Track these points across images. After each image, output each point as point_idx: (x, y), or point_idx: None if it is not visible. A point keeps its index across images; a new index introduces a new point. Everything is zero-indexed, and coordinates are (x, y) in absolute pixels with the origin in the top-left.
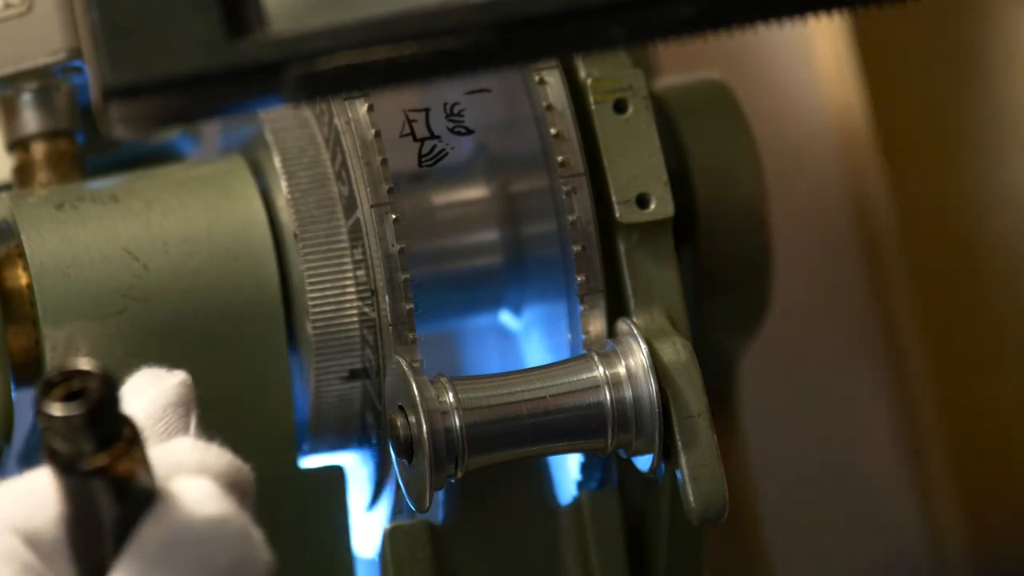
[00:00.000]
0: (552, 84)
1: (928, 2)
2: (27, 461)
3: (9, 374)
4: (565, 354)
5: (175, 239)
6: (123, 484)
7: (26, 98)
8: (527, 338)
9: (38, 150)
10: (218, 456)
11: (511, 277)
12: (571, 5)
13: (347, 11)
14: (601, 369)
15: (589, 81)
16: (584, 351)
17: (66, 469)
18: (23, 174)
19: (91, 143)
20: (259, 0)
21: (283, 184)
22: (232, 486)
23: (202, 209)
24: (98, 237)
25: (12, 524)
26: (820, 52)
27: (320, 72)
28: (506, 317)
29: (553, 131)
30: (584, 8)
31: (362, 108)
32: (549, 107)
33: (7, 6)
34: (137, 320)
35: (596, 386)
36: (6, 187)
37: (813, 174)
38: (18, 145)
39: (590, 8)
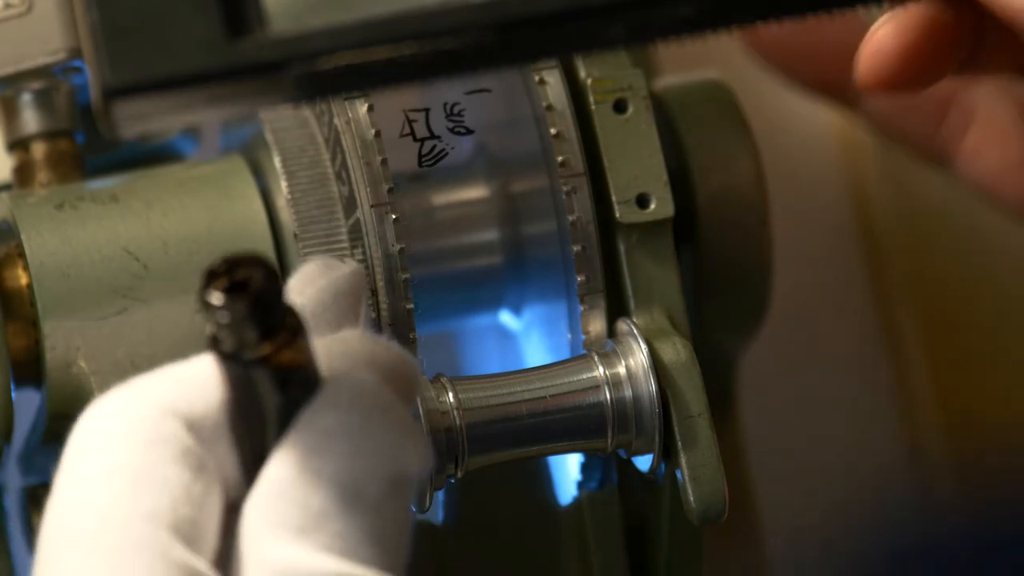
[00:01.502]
0: (552, 84)
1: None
2: (27, 461)
3: (9, 374)
4: (565, 354)
5: (175, 239)
6: (286, 373)
7: (26, 98)
8: (527, 338)
9: (38, 150)
10: (386, 348)
11: (511, 277)
12: (571, 5)
13: (347, 11)
14: (601, 369)
15: (589, 81)
16: (584, 351)
17: (229, 358)
18: (23, 174)
19: (91, 143)
20: (259, 0)
21: (283, 184)
22: (397, 380)
23: (202, 209)
24: (98, 237)
25: (174, 408)
26: None
27: (320, 72)
28: (506, 317)
29: (553, 131)
30: (584, 8)
31: (362, 108)
32: (549, 107)
33: (7, 6)
34: (137, 320)
35: (596, 386)
36: (6, 187)
37: (813, 174)
38: (18, 145)
39: (590, 8)
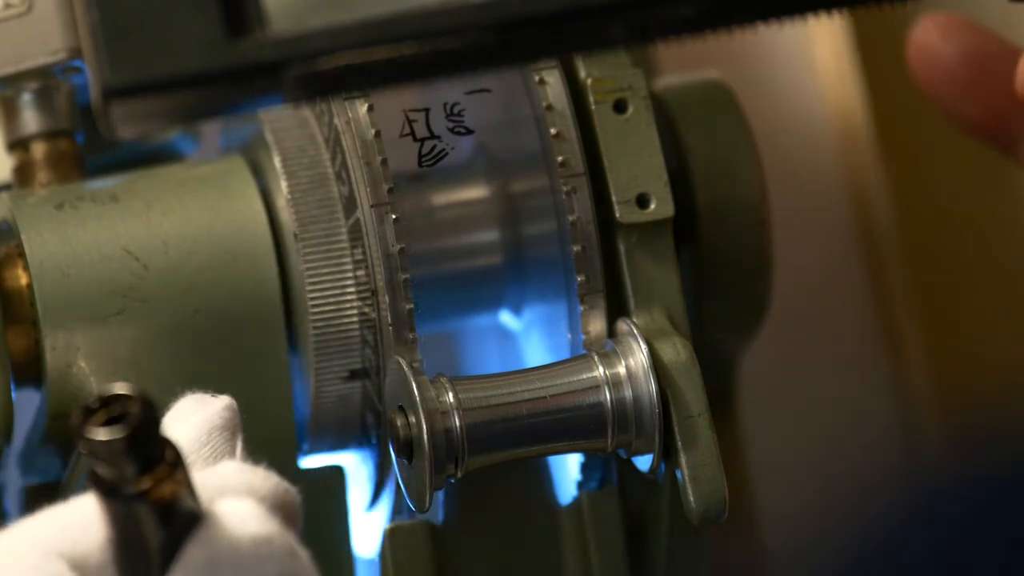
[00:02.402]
0: (552, 84)
1: (927, 2)
2: (27, 461)
3: (9, 374)
4: (565, 354)
5: (175, 239)
6: (167, 507)
7: (26, 98)
8: (527, 338)
9: (38, 150)
10: (264, 478)
11: (511, 277)
12: (571, 5)
13: (347, 11)
14: (601, 369)
15: (589, 81)
16: (584, 351)
17: (110, 493)
18: (23, 174)
19: (91, 143)
20: (259, 0)
21: (283, 184)
22: (278, 508)
23: (202, 209)
24: (98, 237)
25: (58, 549)
26: (820, 52)
27: (320, 72)
28: (506, 317)
29: (553, 131)
30: (584, 8)
31: (362, 108)
32: (549, 107)
33: (7, 6)
34: (137, 320)
35: (596, 386)
36: (6, 187)
37: (813, 174)
38: (18, 145)
39: (590, 8)
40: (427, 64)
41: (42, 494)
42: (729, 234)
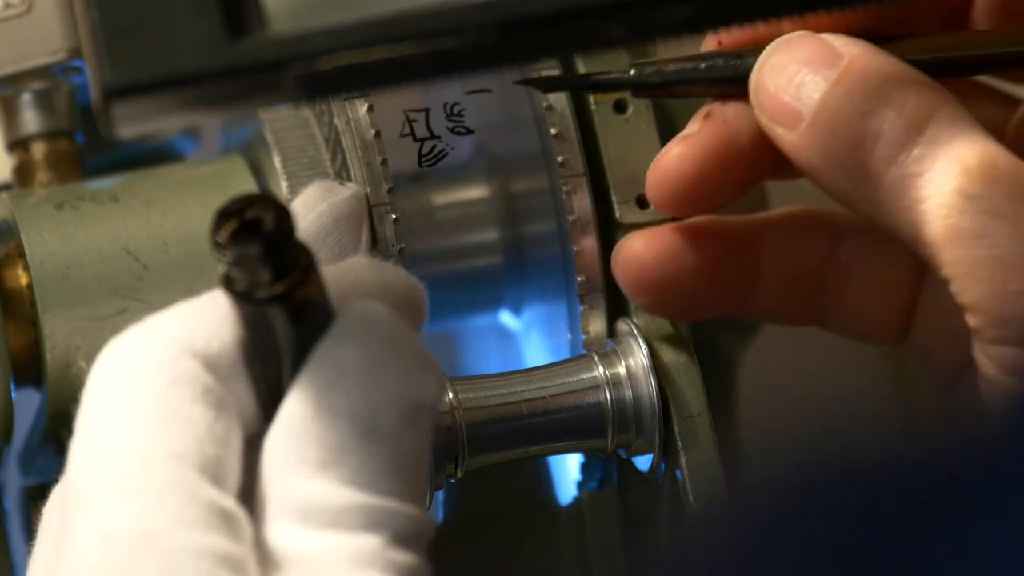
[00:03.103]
0: None
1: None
2: (27, 461)
3: (9, 374)
4: (565, 354)
5: (175, 239)
6: (299, 310)
7: (26, 98)
8: (527, 338)
9: (38, 150)
10: (394, 274)
11: (511, 277)
12: (571, 5)
13: (347, 11)
14: (601, 369)
15: None
16: (584, 351)
17: (243, 297)
18: (23, 174)
19: (91, 143)
20: (259, 0)
21: (283, 184)
22: (406, 306)
23: (202, 209)
24: (98, 237)
25: (191, 347)
26: None
27: (320, 72)
28: (506, 317)
29: (553, 131)
30: (584, 8)
31: (362, 108)
32: (549, 107)
33: (7, 6)
34: (137, 320)
35: (596, 386)
36: (6, 187)
37: None
38: (18, 145)
39: (590, 8)
40: (427, 64)
41: (42, 494)
42: None
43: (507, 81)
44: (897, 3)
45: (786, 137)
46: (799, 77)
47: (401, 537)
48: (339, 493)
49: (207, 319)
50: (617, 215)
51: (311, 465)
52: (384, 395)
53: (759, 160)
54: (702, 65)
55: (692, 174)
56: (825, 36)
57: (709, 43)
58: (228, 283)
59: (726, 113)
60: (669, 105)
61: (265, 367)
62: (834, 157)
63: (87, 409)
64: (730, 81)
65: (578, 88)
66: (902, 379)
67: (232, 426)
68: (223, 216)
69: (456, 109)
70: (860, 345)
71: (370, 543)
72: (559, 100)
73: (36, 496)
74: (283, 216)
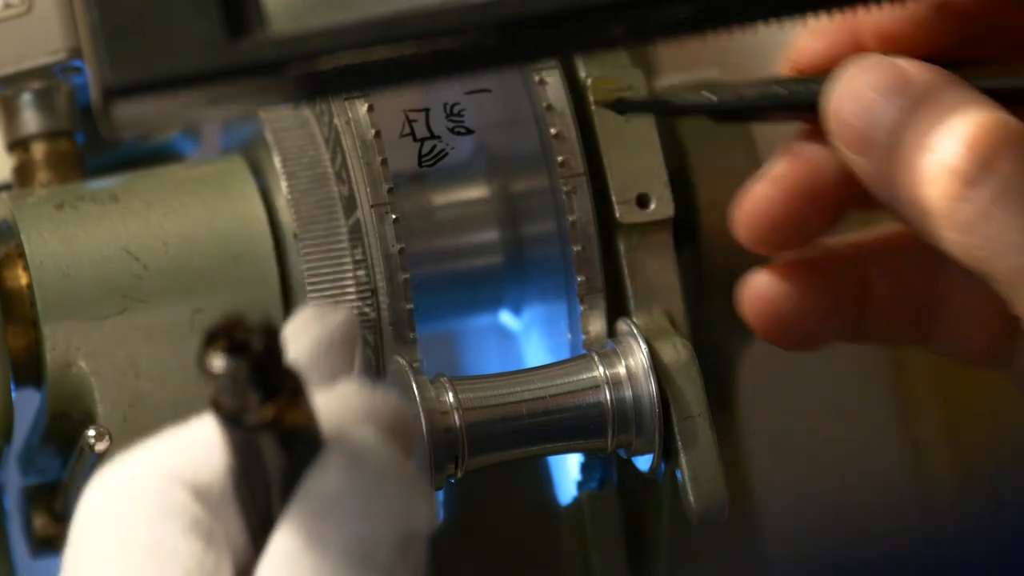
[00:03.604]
0: (552, 84)
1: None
2: (27, 461)
3: (9, 374)
4: (565, 354)
5: (175, 239)
6: (289, 436)
7: (26, 98)
8: (527, 338)
9: (38, 150)
10: (384, 400)
11: (511, 277)
12: (571, 5)
13: (347, 11)
14: (601, 369)
15: (589, 81)
16: (584, 351)
17: (231, 422)
18: (23, 174)
19: (91, 143)
20: (259, 0)
21: (283, 184)
22: (397, 431)
23: (202, 209)
24: (98, 237)
25: (180, 477)
26: None
27: (320, 72)
28: (506, 317)
29: (553, 131)
30: (584, 8)
31: (362, 108)
32: (549, 107)
33: (7, 6)
34: (137, 320)
35: (596, 386)
36: (6, 187)
37: None
38: (18, 145)
39: (590, 8)
40: (427, 64)
41: (42, 494)
42: (729, 234)
43: (507, 81)
44: (897, 3)
45: (861, 165)
46: (871, 104)
47: None
48: None
49: (196, 446)
50: (617, 215)
51: None
52: (376, 526)
53: (844, 193)
54: (783, 91)
55: (779, 214)
56: (898, 61)
57: (786, 69)
58: (216, 406)
59: (806, 151)
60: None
61: (255, 494)
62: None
63: (76, 543)
64: (811, 107)
65: (657, 112)
66: (902, 379)
67: (222, 558)
68: (210, 337)
69: (456, 109)
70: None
71: None
72: (559, 100)
73: (36, 496)
74: (271, 338)
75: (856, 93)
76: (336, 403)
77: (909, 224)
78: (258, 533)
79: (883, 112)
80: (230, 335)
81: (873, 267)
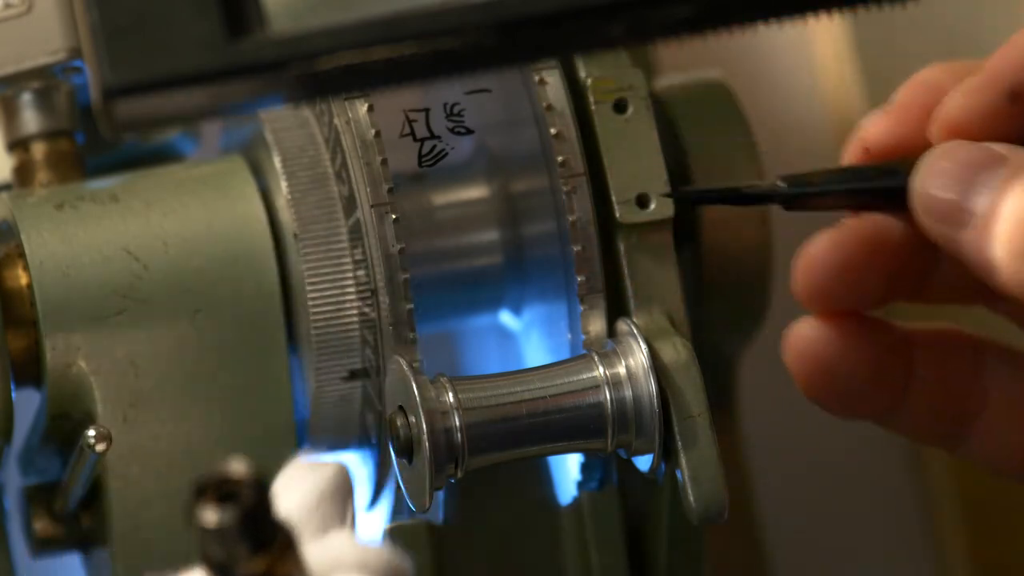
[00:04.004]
0: (552, 84)
1: (928, 2)
2: (27, 461)
3: (9, 374)
4: (565, 354)
5: (175, 239)
6: None
7: (26, 98)
8: (527, 338)
9: (38, 150)
10: (377, 555)
11: (511, 277)
12: (571, 5)
13: (347, 11)
14: (601, 369)
15: (589, 81)
16: (584, 351)
17: (221, 574)
18: (23, 174)
19: (91, 143)
20: (259, 0)
21: (283, 184)
22: None
23: (202, 209)
24: (98, 237)
25: None
26: (820, 52)
27: (320, 72)
28: (506, 317)
29: (553, 131)
30: (584, 8)
31: (362, 108)
32: (549, 107)
33: (7, 6)
34: (137, 320)
35: (596, 386)
36: (6, 187)
37: None
38: (18, 145)
39: (590, 8)
40: (427, 64)
41: (42, 494)
42: (729, 234)
43: (507, 81)
44: (897, 3)
45: (956, 235)
46: (965, 178)
47: None
48: None
49: None
50: (617, 215)
51: None
52: None
53: (907, 264)
54: (854, 179)
55: (840, 263)
56: (983, 143)
57: (855, 151)
58: (206, 559)
59: (875, 216)
60: (669, 106)
61: None
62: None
63: None
64: (883, 194)
65: (726, 202)
66: None
67: None
68: (201, 490)
69: (456, 109)
70: None
71: None
72: (559, 100)
73: (36, 496)
74: (261, 490)
75: (947, 170)
76: (327, 557)
77: (1001, 290)
78: None
79: (980, 183)
80: (219, 487)
81: (920, 352)
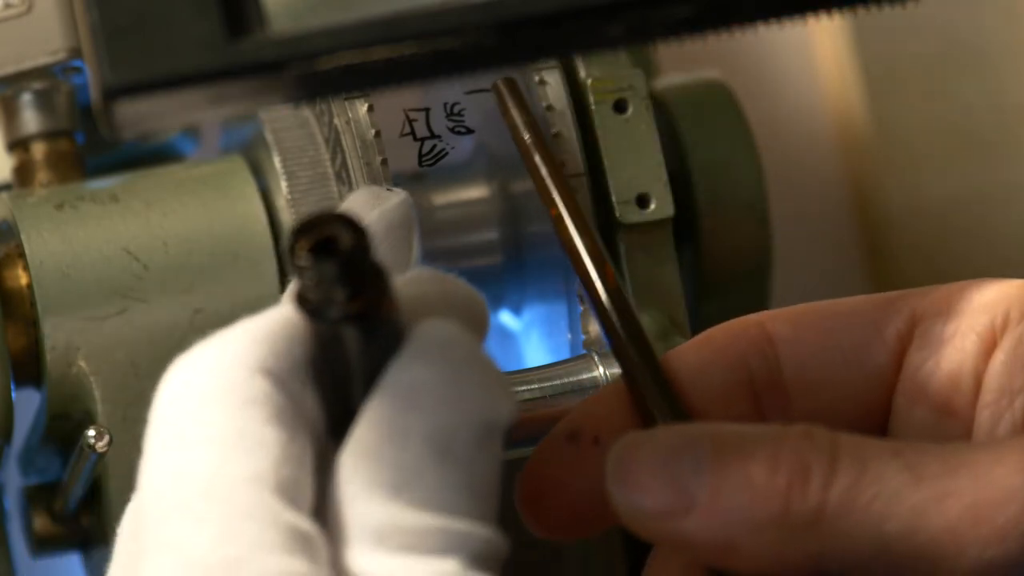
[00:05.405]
0: (552, 84)
1: (928, 2)
2: (27, 461)
3: (9, 374)
4: (565, 354)
5: (175, 239)
6: (374, 329)
7: (26, 98)
8: (527, 338)
9: (38, 150)
10: (457, 287)
11: (511, 277)
12: (571, 5)
13: (347, 11)
14: (601, 369)
15: (589, 81)
16: (584, 351)
17: (316, 315)
18: (23, 174)
19: (91, 143)
20: (259, 0)
21: (283, 184)
22: (472, 320)
23: (202, 209)
24: (98, 237)
25: (263, 366)
26: (820, 52)
27: (320, 72)
28: (506, 317)
29: (553, 131)
30: (584, 8)
31: (362, 108)
32: (549, 107)
33: (7, 6)
34: (137, 320)
35: (596, 386)
36: (6, 187)
37: (813, 174)
38: (18, 145)
39: (590, 8)
40: (427, 64)
41: (42, 494)
42: (729, 234)
43: None
44: (897, 3)
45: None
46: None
47: (477, 559)
48: (415, 516)
49: (278, 337)
50: (617, 215)
51: (386, 488)
52: (459, 417)
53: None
54: None
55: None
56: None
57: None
58: (302, 301)
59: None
60: (669, 106)
61: (337, 385)
62: None
63: (158, 430)
64: None
65: None
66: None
67: (306, 446)
68: (298, 233)
69: (456, 109)
70: None
71: (447, 566)
72: (559, 100)
73: (36, 496)
74: (360, 235)
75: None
76: (412, 290)
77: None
78: (340, 423)
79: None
80: (318, 231)
81: None
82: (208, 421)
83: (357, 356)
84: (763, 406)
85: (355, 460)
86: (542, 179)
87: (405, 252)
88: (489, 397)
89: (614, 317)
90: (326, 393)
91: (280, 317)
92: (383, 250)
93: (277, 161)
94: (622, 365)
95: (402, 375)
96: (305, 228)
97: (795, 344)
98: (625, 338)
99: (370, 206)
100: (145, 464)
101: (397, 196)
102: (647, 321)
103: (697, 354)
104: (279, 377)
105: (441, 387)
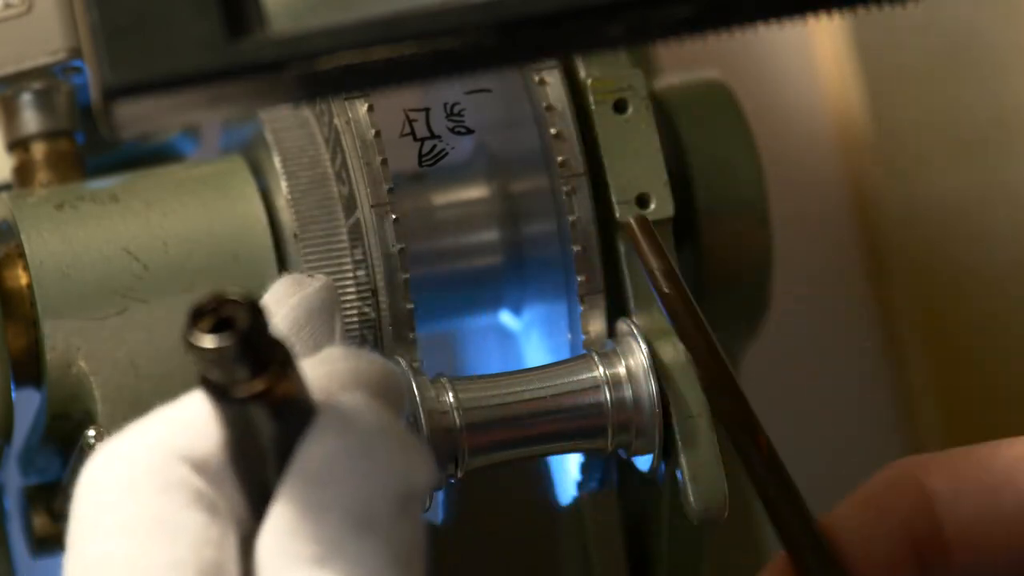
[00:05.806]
0: (552, 84)
1: (928, 2)
2: (27, 461)
3: (9, 374)
4: (565, 354)
5: (175, 239)
6: (280, 406)
7: (26, 98)
8: (527, 338)
9: (38, 150)
10: (369, 363)
11: (511, 277)
12: (571, 5)
13: (347, 11)
14: (601, 369)
15: (589, 81)
16: (584, 351)
17: (222, 397)
18: (23, 174)
19: (91, 143)
20: (259, 0)
21: (283, 184)
22: (385, 393)
23: (202, 209)
24: (98, 237)
25: (178, 452)
26: (820, 52)
27: (320, 72)
28: (506, 317)
29: (553, 131)
30: (584, 8)
31: (362, 108)
32: (549, 107)
33: (7, 6)
34: (137, 320)
35: (596, 386)
36: (6, 187)
37: (813, 174)
38: (18, 145)
39: (590, 8)
40: (427, 64)
41: (42, 494)
42: (729, 234)
43: (507, 81)
44: (897, 3)
45: None
46: None
47: None
48: None
49: (191, 421)
50: (617, 215)
51: (307, 562)
52: (375, 486)
53: None
54: None
55: None
56: None
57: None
58: (206, 383)
59: None
60: (669, 106)
61: (251, 466)
62: None
63: (78, 522)
64: None
65: None
66: (903, 379)
67: (227, 529)
68: (196, 315)
69: (456, 109)
70: (860, 346)
71: None
72: (559, 100)
73: (36, 496)
74: (256, 312)
75: None
76: (322, 370)
77: None
78: (257, 504)
79: None
80: (216, 312)
81: None
82: (126, 509)
83: (268, 435)
84: (925, 560)
85: (275, 536)
86: (696, 346)
87: (327, 336)
88: (404, 463)
89: (772, 490)
90: (243, 474)
91: (191, 402)
92: (305, 335)
93: (277, 161)
94: (783, 537)
95: (314, 449)
96: (201, 311)
97: (956, 504)
98: (791, 514)
99: (291, 293)
100: (67, 556)
101: (318, 281)
102: (646, 320)
103: (860, 519)
104: (195, 461)
105: (352, 458)
